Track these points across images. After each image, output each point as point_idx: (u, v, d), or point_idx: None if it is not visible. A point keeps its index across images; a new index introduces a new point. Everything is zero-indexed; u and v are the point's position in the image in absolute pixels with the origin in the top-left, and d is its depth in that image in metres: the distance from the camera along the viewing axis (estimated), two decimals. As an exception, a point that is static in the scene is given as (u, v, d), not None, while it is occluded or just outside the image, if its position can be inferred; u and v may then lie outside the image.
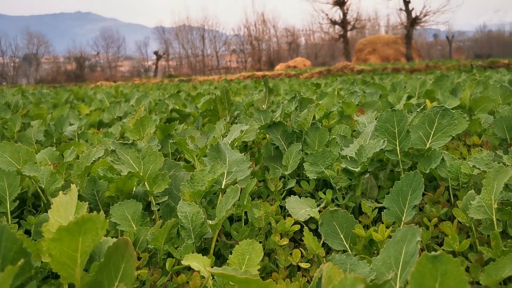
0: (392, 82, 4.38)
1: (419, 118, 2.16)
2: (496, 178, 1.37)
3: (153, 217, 1.70)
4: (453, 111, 2.58)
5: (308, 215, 1.74)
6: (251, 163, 1.98)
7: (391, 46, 45.05)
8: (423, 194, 1.88)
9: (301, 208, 1.89)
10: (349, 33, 50.05)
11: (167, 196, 1.65)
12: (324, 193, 1.98)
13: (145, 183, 1.57)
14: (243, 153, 2.81)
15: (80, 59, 66.19)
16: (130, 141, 1.60)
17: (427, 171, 1.98)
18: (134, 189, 1.77)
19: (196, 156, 2.01)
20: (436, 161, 1.98)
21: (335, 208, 1.57)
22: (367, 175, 2.09)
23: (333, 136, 2.35)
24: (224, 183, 1.87)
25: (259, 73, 23.82)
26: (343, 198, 1.99)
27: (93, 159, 1.55)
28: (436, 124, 2.10)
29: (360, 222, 1.76)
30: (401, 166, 2.06)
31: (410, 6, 43.86)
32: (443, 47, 74.65)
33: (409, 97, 3.53)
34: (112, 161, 1.51)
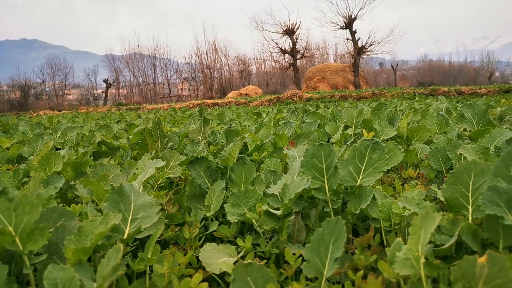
0: (332, 111, 4.28)
1: (350, 152, 2.00)
2: (423, 226, 1.19)
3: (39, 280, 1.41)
4: (390, 142, 2.46)
5: (220, 268, 1.51)
6: (160, 207, 1.73)
7: (339, 74, 46.24)
8: (352, 240, 1.69)
9: (218, 258, 1.66)
10: (299, 62, 51.10)
11: (47, 254, 1.36)
12: (246, 238, 1.75)
13: (16, 239, 1.29)
14: (166, 191, 2.56)
15: (24, 87, 63.65)
16: (0, 189, 1.32)
17: (357, 211, 1.81)
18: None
19: (87, 203, 1.74)
20: (366, 200, 1.81)
21: (249, 261, 1.34)
22: (293, 216, 1.89)
23: (259, 173, 2.15)
24: (127, 232, 1.61)
25: (209, 101, 23.67)
26: (266, 244, 1.77)
27: None
28: (367, 158, 1.94)
29: (281, 274, 1.55)
30: (330, 206, 1.88)
31: (356, 36, 45.47)
32: (388, 75, 77.68)
33: (346, 127, 3.43)
34: (-31, 215, 1.23)
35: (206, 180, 2.29)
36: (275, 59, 54.10)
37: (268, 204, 1.93)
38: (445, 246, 1.37)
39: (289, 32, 47.35)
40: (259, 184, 2.10)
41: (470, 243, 1.40)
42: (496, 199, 1.40)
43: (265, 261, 1.68)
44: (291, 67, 48.11)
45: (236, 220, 1.84)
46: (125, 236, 1.59)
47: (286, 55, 48.93)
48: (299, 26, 47.24)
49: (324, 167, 1.90)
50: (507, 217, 1.36)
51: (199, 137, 4.08)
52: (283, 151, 2.50)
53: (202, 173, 2.31)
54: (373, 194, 1.84)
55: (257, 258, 1.73)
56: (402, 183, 2.40)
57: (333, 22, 46.25)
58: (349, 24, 45.25)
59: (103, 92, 65.11)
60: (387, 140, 3.24)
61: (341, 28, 46.03)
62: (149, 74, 72.25)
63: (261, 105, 20.70)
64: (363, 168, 1.93)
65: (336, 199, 1.89)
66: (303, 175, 1.87)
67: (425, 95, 18.80)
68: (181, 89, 71.73)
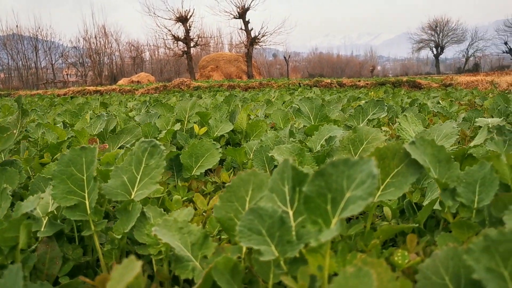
0: (180, 102, 3.87)
1: (127, 157, 1.58)
2: (121, 279, 0.81)
3: None
4: (207, 140, 2.11)
5: None
6: None
7: (233, 63, 46.32)
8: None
9: None
10: (193, 50, 50.24)
11: None
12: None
13: None
14: None
15: None
16: None
17: (120, 236, 1.40)
18: None
19: None
20: (133, 220, 1.41)
21: None
22: (37, 244, 1.43)
23: (4, 185, 1.64)
24: None
25: (91, 88, 22.12)
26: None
27: None
28: (143, 166, 1.54)
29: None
30: (92, 228, 1.44)
31: (250, 26, 45.77)
32: (281, 66, 79.65)
33: (179, 121, 3.02)
34: None
35: (-50, 194, 1.73)
36: (168, 46, 52.59)
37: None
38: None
39: (182, 19, 46.21)
40: (5, 200, 1.59)
41: (225, 285, 1.06)
42: (258, 225, 1.07)
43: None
44: (185, 55, 47.10)
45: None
46: None
47: (180, 42, 47.77)
48: (193, 13, 46.31)
49: (85, 177, 1.46)
50: (265, 250, 1.03)
51: (15, 131, 3.42)
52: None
53: None
54: (143, 211, 1.45)
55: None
56: (214, 189, 2.05)
57: (226, 11, 46.11)
58: (242, 14, 45.38)
59: (-25, 75, 58.42)
60: (221, 136, 2.90)
61: (234, 17, 46.03)
62: (31, 57, 66.30)
63: (147, 93, 19.81)
64: (139, 177, 1.53)
65: (98, 219, 1.46)
66: (54, 189, 1.42)
67: (309, 86, 19.30)
68: (68, 74, 66.96)
